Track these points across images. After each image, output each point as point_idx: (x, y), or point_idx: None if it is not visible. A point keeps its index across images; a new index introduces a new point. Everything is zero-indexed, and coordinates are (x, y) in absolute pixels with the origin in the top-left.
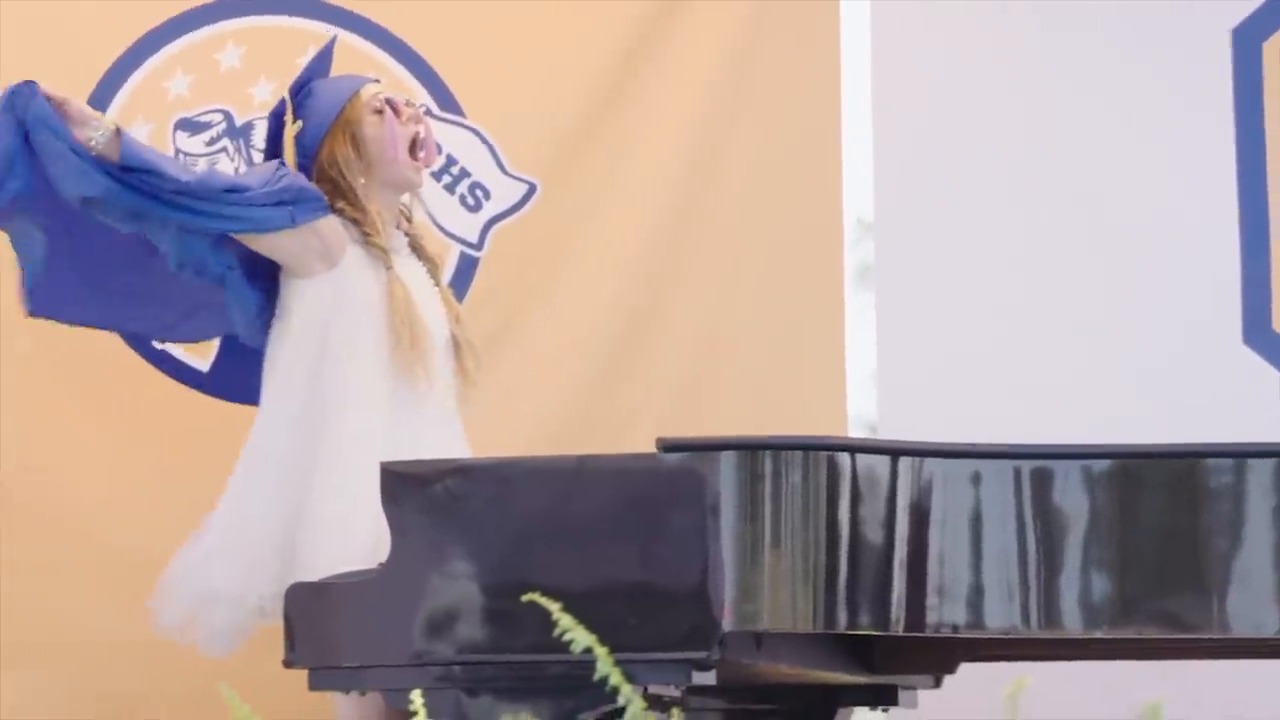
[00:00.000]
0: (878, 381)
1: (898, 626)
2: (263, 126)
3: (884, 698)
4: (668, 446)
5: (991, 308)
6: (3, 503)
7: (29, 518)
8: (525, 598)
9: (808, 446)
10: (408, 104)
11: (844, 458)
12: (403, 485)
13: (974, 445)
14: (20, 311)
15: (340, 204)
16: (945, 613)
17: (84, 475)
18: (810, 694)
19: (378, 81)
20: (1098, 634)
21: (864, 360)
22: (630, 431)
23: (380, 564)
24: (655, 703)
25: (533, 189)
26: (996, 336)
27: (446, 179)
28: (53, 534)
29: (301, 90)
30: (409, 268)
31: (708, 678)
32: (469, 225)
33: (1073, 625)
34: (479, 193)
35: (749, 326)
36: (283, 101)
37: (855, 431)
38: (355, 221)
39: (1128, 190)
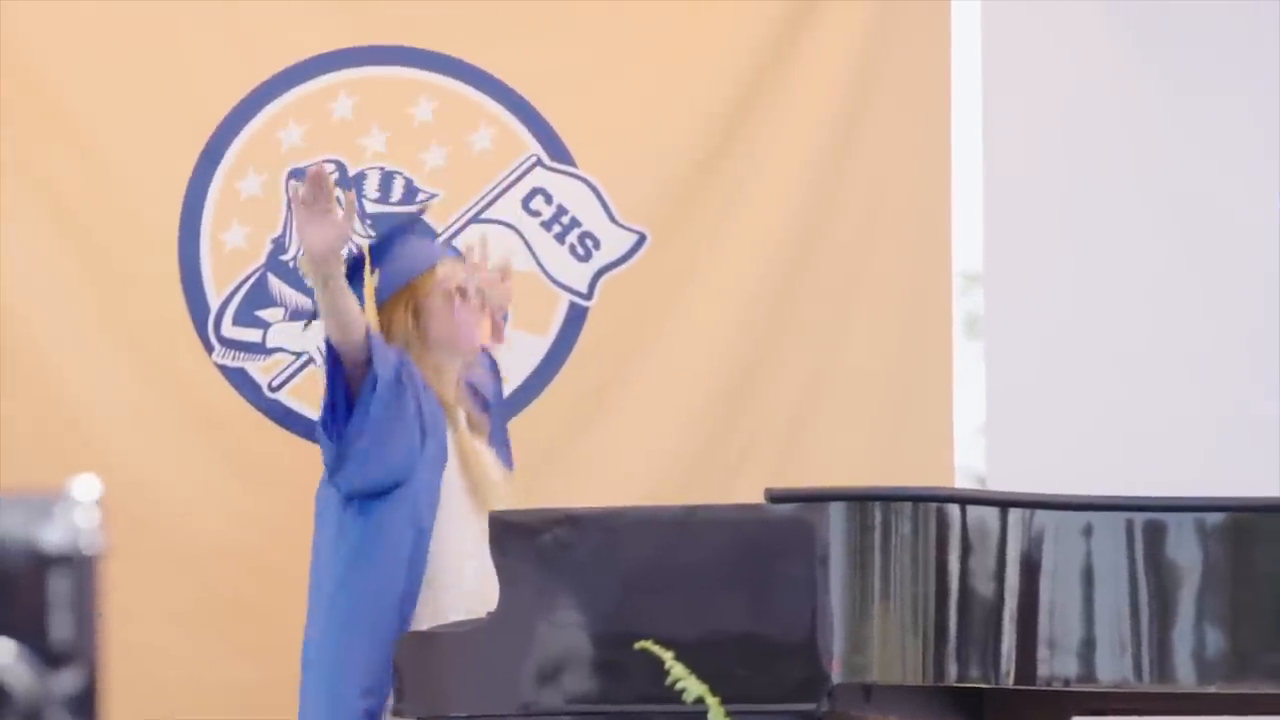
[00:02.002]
0: (987, 432)
1: (1008, 679)
2: (375, 176)
3: None
4: (776, 497)
5: (1102, 358)
6: (114, 549)
7: (138, 558)
8: (638, 646)
9: (917, 498)
10: (478, 288)
11: (954, 509)
12: (511, 534)
13: (1085, 497)
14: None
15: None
16: (1056, 665)
17: (198, 520)
18: None
19: (459, 256)
20: (1211, 689)
21: (973, 411)
22: (737, 482)
23: (489, 613)
24: None
25: (643, 239)
26: (1107, 387)
27: (557, 228)
28: (163, 578)
29: (384, 243)
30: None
31: None
32: (579, 275)
33: (1186, 680)
34: (589, 242)
35: (856, 377)
36: (359, 259)
37: (963, 483)
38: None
39: (1247, 239)
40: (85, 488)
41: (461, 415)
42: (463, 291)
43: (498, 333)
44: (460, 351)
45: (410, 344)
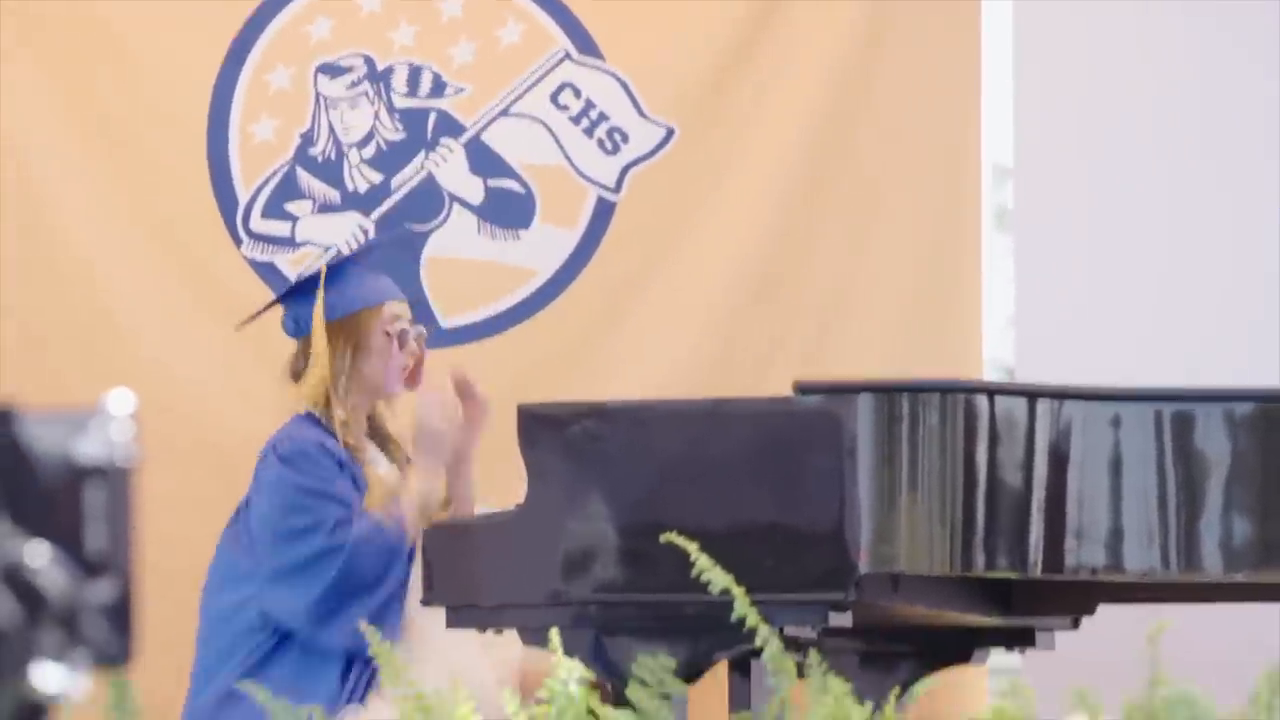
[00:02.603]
0: (1016, 325)
1: (1035, 569)
2: (403, 70)
3: (1021, 639)
4: (804, 389)
5: (1131, 250)
6: (145, 441)
7: (171, 451)
8: (663, 538)
9: (945, 389)
10: (417, 336)
11: (982, 400)
12: (539, 427)
13: (1114, 388)
14: None
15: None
16: (1084, 555)
17: (229, 411)
18: (947, 635)
19: (403, 300)
20: (1238, 578)
21: (1002, 304)
22: (766, 373)
23: (517, 504)
24: (790, 644)
25: (671, 133)
26: (1136, 279)
27: (585, 123)
28: (194, 469)
29: (339, 266)
30: (373, 452)
31: (844, 619)
32: (607, 169)
33: (1213, 568)
34: (617, 136)
35: (885, 270)
36: (311, 278)
37: (992, 375)
38: (316, 420)
39: (1267, 134)
40: (120, 402)
41: (372, 449)
42: (402, 339)
43: (418, 383)
44: (381, 395)
45: (339, 376)
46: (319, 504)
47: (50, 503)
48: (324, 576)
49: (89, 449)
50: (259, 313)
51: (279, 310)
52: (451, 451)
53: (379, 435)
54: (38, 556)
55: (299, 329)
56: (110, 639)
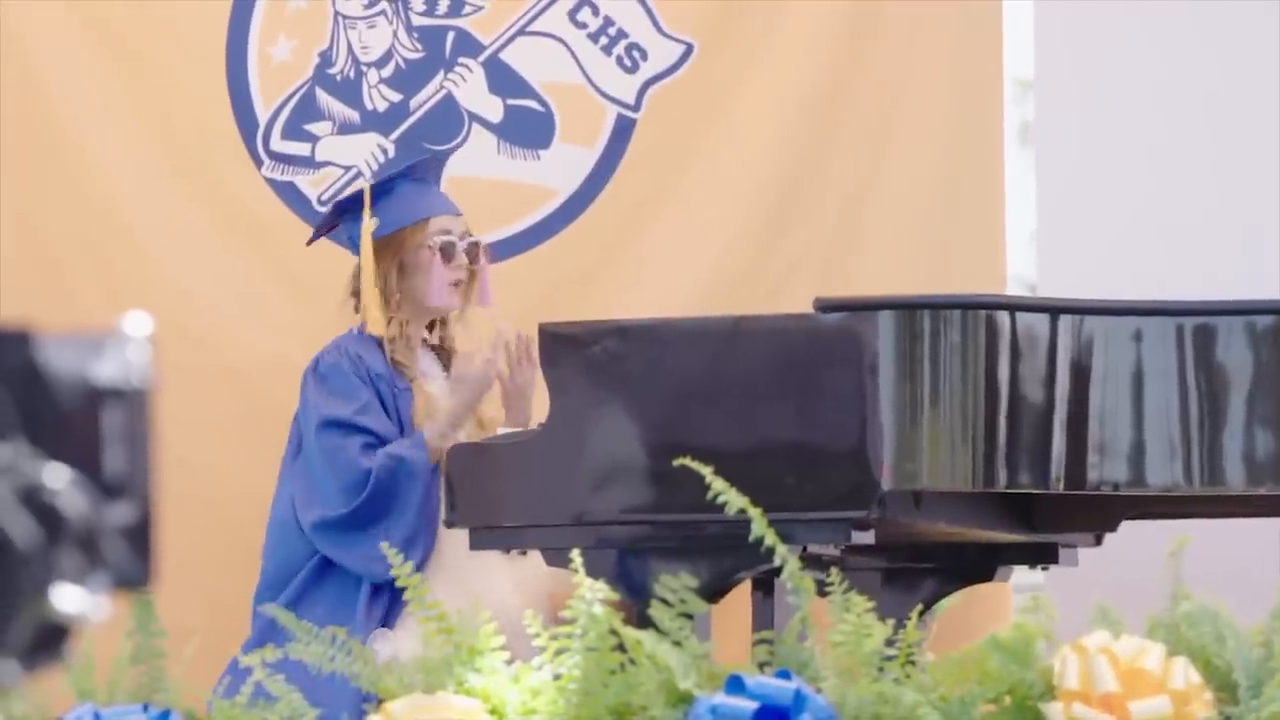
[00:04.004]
0: (1038, 240)
1: (1058, 485)
2: None
3: (1044, 556)
4: (825, 306)
5: (1154, 166)
6: (164, 363)
7: (189, 374)
8: (676, 462)
9: (966, 305)
10: (469, 249)
11: (1003, 316)
12: (560, 346)
13: (1135, 302)
14: None
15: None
16: (1106, 471)
17: (248, 333)
18: (970, 552)
19: (458, 215)
20: (1261, 491)
21: (1024, 219)
22: (786, 291)
23: (540, 424)
24: (814, 562)
25: (690, 49)
26: (1158, 193)
27: (604, 40)
28: (213, 392)
29: (384, 184)
30: (429, 367)
31: (867, 537)
32: (626, 86)
33: (1235, 482)
34: (636, 54)
35: (907, 185)
36: (358, 195)
37: (1015, 291)
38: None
39: None
40: (137, 324)
41: (426, 364)
42: (447, 252)
43: (482, 297)
44: (430, 311)
45: (390, 294)
46: (347, 434)
47: (69, 425)
48: (347, 501)
49: (107, 371)
50: (320, 232)
51: (306, 233)
52: (505, 394)
53: (445, 353)
54: (57, 479)
55: (355, 246)
56: (130, 562)
